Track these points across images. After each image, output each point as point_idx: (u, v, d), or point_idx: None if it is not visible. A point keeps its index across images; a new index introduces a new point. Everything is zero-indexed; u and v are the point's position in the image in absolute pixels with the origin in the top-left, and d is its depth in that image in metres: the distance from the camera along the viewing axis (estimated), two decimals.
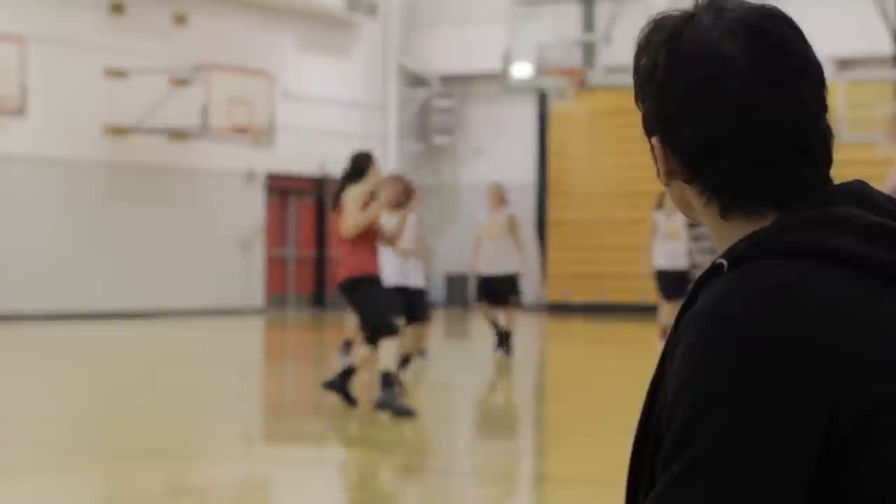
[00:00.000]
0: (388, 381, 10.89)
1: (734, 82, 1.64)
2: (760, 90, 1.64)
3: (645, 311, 27.00)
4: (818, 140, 1.67)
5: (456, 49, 30.31)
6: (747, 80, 1.64)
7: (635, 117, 1.76)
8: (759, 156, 1.65)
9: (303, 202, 29.23)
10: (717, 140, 1.66)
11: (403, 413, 10.82)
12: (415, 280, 13.61)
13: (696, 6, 1.70)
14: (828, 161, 1.69)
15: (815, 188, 1.66)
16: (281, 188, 28.23)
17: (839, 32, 25.32)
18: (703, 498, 1.50)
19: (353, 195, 11.07)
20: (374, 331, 11.03)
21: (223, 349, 18.97)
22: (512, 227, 16.55)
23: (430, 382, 14.45)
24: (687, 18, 1.69)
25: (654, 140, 1.72)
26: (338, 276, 11.37)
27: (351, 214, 11.03)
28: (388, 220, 11.91)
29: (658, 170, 1.73)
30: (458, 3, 30.44)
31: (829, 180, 1.69)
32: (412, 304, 13.40)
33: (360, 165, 11.30)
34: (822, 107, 1.68)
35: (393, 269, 13.16)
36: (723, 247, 1.68)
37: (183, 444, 10.28)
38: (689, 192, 1.71)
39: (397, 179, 12.24)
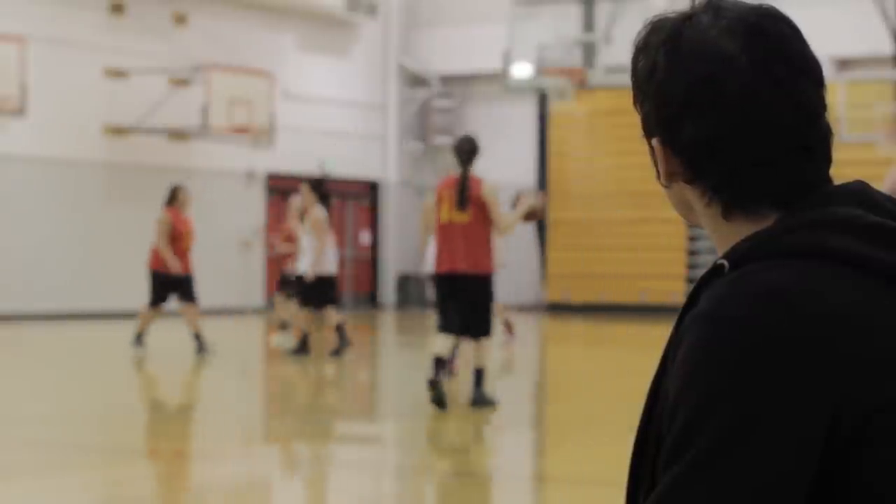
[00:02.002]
0: (481, 377, 11.55)
1: (734, 81, 1.64)
2: (760, 89, 1.64)
3: (645, 311, 26.99)
4: (818, 139, 1.68)
5: (456, 49, 30.31)
6: (747, 79, 1.64)
7: (635, 117, 1.75)
8: (759, 155, 1.65)
9: None
10: (717, 139, 1.66)
11: (489, 404, 11.54)
12: None
13: (695, 7, 1.71)
14: (827, 160, 1.69)
15: (815, 187, 1.66)
16: (281, 188, 28.23)
17: (839, 32, 25.33)
18: (704, 498, 1.50)
19: (496, 192, 11.43)
20: (486, 328, 11.49)
21: (223, 349, 18.95)
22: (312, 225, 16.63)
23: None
24: (685, 19, 1.69)
25: (654, 141, 1.72)
26: (471, 266, 11.35)
27: (503, 212, 11.51)
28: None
29: (658, 172, 1.73)
30: (458, 3, 30.44)
31: (829, 179, 1.69)
32: None
33: (475, 149, 11.48)
34: (822, 106, 1.69)
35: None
36: (723, 248, 1.68)
37: (183, 444, 10.28)
38: (690, 194, 1.71)
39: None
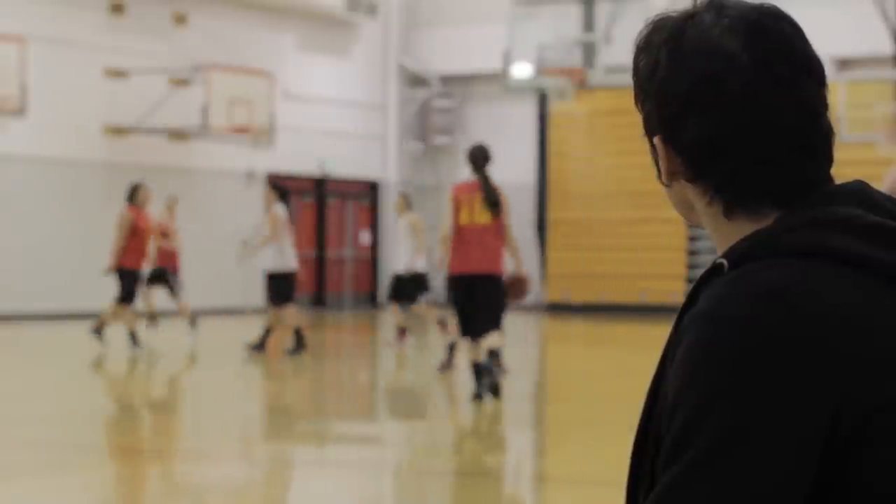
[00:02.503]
0: (481, 370, 11.89)
1: (736, 80, 1.64)
2: (762, 88, 1.64)
3: (645, 311, 26.99)
4: (819, 138, 1.67)
5: (456, 49, 30.31)
6: (749, 78, 1.64)
7: (635, 117, 1.75)
8: (761, 153, 1.65)
9: (303, 202, 29.22)
10: (719, 138, 1.65)
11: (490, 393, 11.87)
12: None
13: (697, 6, 1.71)
14: (829, 159, 1.69)
15: (816, 186, 1.66)
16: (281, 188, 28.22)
17: (839, 32, 25.32)
18: (704, 498, 1.50)
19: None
20: (500, 322, 12.09)
21: (223, 349, 18.98)
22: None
23: (429, 382, 14.46)
24: (687, 17, 1.69)
25: (655, 140, 1.71)
26: (490, 267, 11.89)
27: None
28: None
29: (659, 171, 1.73)
30: (458, 3, 30.44)
31: (831, 178, 1.69)
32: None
33: (489, 157, 12.07)
34: (823, 105, 1.68)
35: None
36: (723, 247, 1.67)
37: (183, 444, 10.28)
38: (691, 193, 1.71)
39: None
